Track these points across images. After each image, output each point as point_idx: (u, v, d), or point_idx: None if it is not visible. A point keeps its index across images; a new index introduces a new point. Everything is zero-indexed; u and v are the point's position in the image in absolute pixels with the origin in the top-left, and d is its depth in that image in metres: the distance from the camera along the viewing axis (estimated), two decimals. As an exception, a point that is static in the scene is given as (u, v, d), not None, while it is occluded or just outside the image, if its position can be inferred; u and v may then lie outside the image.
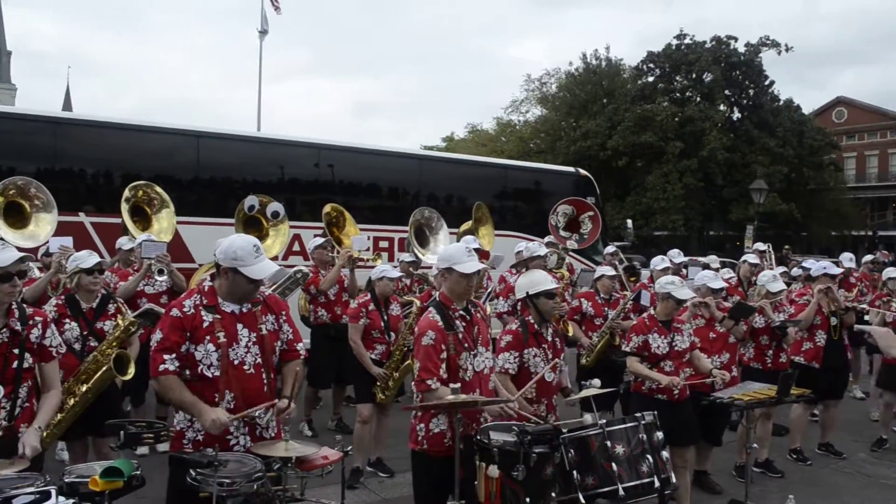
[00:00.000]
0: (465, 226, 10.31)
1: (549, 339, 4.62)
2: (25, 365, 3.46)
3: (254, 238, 3.63)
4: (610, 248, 10.13)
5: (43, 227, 7.20)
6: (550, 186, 14.26)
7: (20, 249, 3.69)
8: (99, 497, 2.81)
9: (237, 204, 8.40)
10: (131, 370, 4.96)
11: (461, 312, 4.02)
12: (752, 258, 8.75)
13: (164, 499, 3.54)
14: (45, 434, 3.61)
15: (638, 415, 4.21)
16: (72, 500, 2.79)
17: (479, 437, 3.80)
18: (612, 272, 7.51)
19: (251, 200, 8.08)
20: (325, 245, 7.85)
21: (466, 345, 3.95)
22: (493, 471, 3.62)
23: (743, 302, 6.75)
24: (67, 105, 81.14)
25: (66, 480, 2.85)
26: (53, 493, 2.74)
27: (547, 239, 9.90)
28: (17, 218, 7.17)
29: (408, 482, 4.18)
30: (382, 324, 6.36)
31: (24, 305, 3.59)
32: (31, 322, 3.51)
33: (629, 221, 17.88)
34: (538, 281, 4.64)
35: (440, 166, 13.91)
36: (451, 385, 3.70)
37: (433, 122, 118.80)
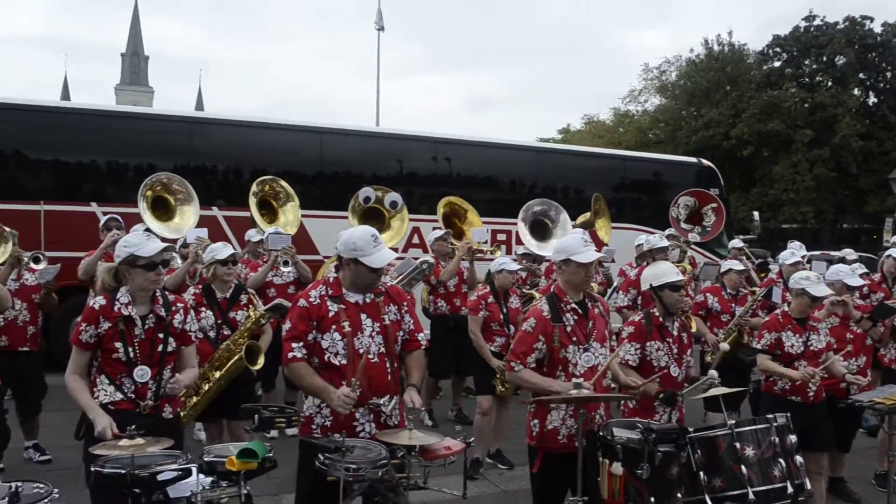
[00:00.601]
0: (582, 218, 10.15)
1: (675, 333, 4.48)
2: (169, 349, 3.67)
3: (371, 228, 3.71)
4: (737, 242, 9.72)
5: (187, 219, 7.63)
6: (671, 177, 13.84)
7: (166, 240, 3.93)
8: (235, 476, 2.95)
9: (358, 197, 8.59)
10: (261, 360, 5.21)
11: (573, 305, 3.96)
12: None
13: (294, 480, 3.69)
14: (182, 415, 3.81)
15: (770, 416, 4.03)
16: (210, 478, 2.95)
17: (602, 434, 3.74)
18: (739, 266, 7.19)
19: (366, 192, 8.25)
20: (446, 237, 7.91)
21: (575, 338, 3.89)
22: (617, 468, 3.55)
23: (886, 303, 6.30)
24: (199, 105, 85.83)
25: (206, 459, 3.01)
26: (194, 470, 2.91)
27: (668, 231, 9.62)
28: (164, 211, 7.62)
29: (528, 475, 4.16)
30: (502, 316, 6.37)
31: (167, 293, 3.82)
32: (173, 308, 3.73)
33: (756, 214, 17.08)
34: (663, 272, 4.51)
35: (557, 158, 13.76)
36: (575, 380, 3.66)
37: (549, 115, 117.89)
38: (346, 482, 3.04)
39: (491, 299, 6.38)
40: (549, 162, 13.11)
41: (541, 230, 9.31)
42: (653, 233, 9.39)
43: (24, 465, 6.04)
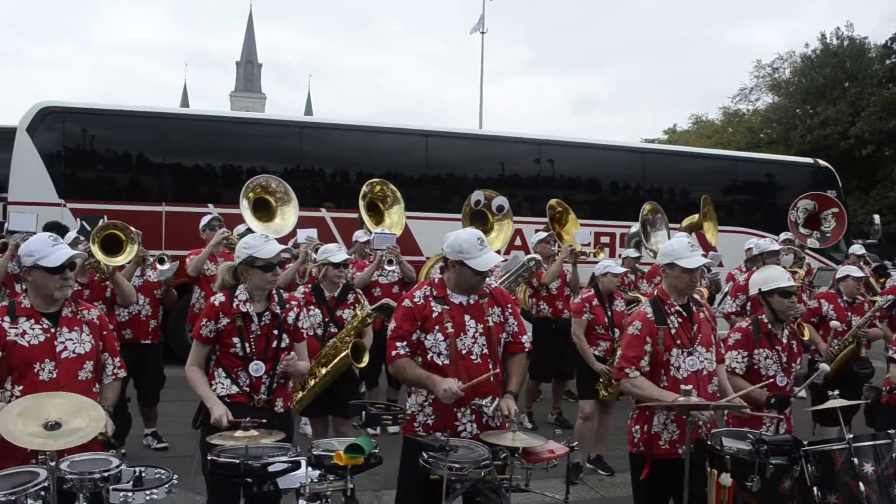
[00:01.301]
0: (688, 220, 9.87)
1: (785, 341, 4.30)
2: (283, 345, 3.80)
3: (478, 231, 3.73)
4: (858, 248, 9.20)
5: (288, 219, 7.87)
6: (784, 179, 13.26)
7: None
8: (341, 471, 3.03)
9: (461, 199, 8.66)
10: (366, 359, 5.33)
11: (678, 308, 3.87)
12: None
13: (395, 477, 3.75)
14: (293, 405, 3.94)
15: (892, 431, 3.79)
16: (318, 471, 3.04)
17: (710, 443, 3.62)
18: (858, 273, 6.79)
19: (477, 195, 8.29)
20: (549, 239, 7.85)
21: (679, 341, 3.79)
22: (726, 479, 3.43)
23: None
24: (308, 110, 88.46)
25: (314, 453, 3.10)
26: (303, 463, 3.00)
27: (783, 236, 9.22)
28: (265, 213, 7.88)
29: (628, 482, 4.08)
30: (606, 320, 6.28)
31: (281, 291, 3.96)
32: (287, 306, 3.86)
33: (876, 217, 16.11)
34: (773, 277, 4.33)
35: (663, 159, 13.43)
36: (683, 386, 3.56)
37: (654, 115, 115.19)
38: (449, 481, 3.07)
39: (595, 302, 6.30)
40: (655, 163, 12.82)
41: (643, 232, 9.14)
42: (763, 236, 9.04)
43: (143, 451, 6.39)
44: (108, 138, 10.37)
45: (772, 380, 4.15)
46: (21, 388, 3.16)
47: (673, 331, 3.81)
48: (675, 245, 3.99)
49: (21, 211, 6.17)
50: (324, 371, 5.18)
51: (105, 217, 5.95)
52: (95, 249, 5.52)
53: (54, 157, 9.84)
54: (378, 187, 8.60)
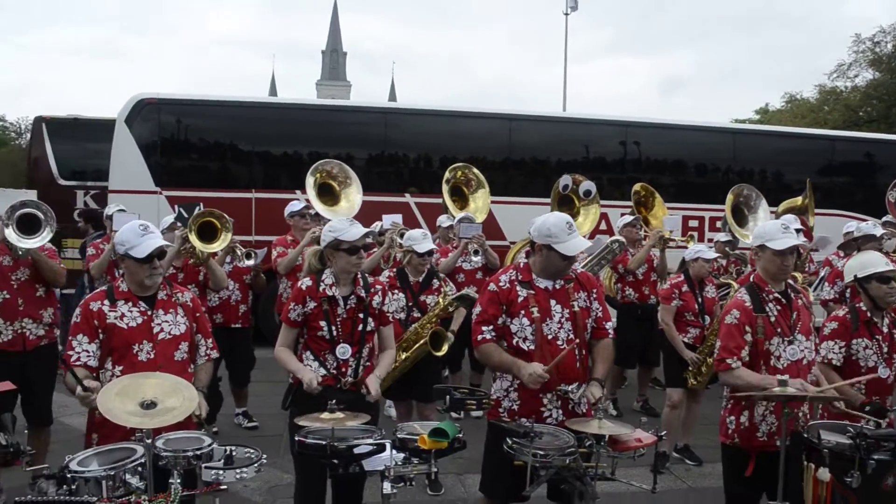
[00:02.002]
0: (786, 204, 9.46)
1: (885, 330, 4.06)
2: (368, 328, 3.84)
3: (566, 215, 3.67)
4: None
5: (353, 201, 7.93)
6: (885, 158, 12.53)
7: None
8: (426, 454, 3.03)
9: (545, 183, 8.57)
10: (445, 348, 5.35)
11: (776, 295, 3.70)
12: None
13: (477, 461, 3.74)
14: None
15: None
16: (402, 454, 3.05)
17: (807, 436, 3.46)
18: None
19: (565, 179, 8.17)
20: (634, 223, 7.67)
21: (780, 330, 3.64)
22: (824, 474, 3.28)
23: None
24: (392, 97, 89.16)
25: (399, 436, 3.11)
26: (388, 446, 3.02)
27: (885, 218, 8.74)
28: (329, 197, 7.96)
29: (716, 473, 3.95)
30: (696, 306, 6.08)
31: (367, 275, 4.00)
32: (372, 290, 3.89)
33: None
34: (870, 262, 4.10)
35: (755, 140, 12.89)
36: (779, 377, 3.41)
37: (745, 95, 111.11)
38: (533, 467, 3.04)
39: (685, 288, 6.11)
40: (746, 144, 12.32)
41: (738, 216, 8.80)
42: (864, 219, 8.57)
43: (234, 429, 6.60)
44: (200, 128, 10.73)
45: (873, 371, 3.93)
46: (121, 368, 3.30)
47: (772, 318, 3.66)
48: (767, 227, 3.84)
49: (124, 211, 6.42)
50: (404, 355, 5.22)
51: (201, 205, 6.13)
52: (192, 237, 5.71)
53: (151, 146, 10.24)
54: (461, 172, 8.58)
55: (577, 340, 3.61)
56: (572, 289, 3.65)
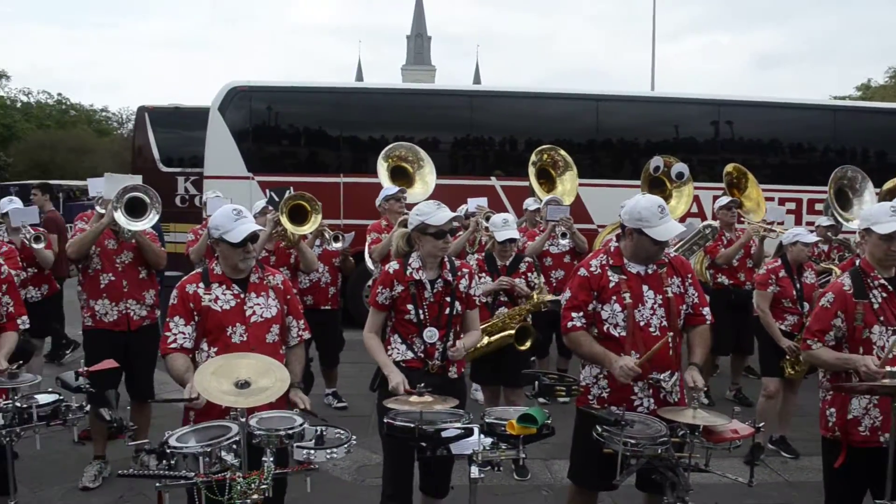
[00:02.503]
0: (890, 183, 8.95)
1: None
2: (455, 312, 3.83)
3: (659, 198, 3.55)
4: None
5: (429, 183, 7.93)
6: None
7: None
8: (514, 440, 3.01)
9: (633, 165, 8.37)
10: (528, 344, 5.32)
11: (882, 282, 3.50)
12: None
13: (563, 447, 3.68)
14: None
15: None
16: (490, 439, 3.04)
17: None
18: None
19: (657, 161, 7.97)
20: (731, 206, 7.36)
21: (882, 318, 3.45)
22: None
23: None
24: (477, 80, 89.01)
25: (487, 420, 3.09)
26: (476, 430, 3.01)
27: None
28: (404, 180, 7.97)
29: (814, 467, 3.79)
30: (794, 292, 5.82)
31: (454, 259, 3.99)
32: (459, 273, 3.88)
33: None
34: None
35: (857, 117, 12.20)
36: (889, 367, 3.22)
37: (845, 71, 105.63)
38: (624, 456, 2.98)
39: (783, 273, 5.85)
40: (847, 122, 11.69)
41: (841, 199, 8.38)
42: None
43: (323, 409, 6.74)
44: (289, 114, 10.98)
45: None
46: (216, 349, 3.40)
47: (875, 305, 3.47)
48: (874, 209, 3.64)
49: (218, 197, 6.62)
50: (487, 341, 5.20)
51: (291, 188, 6.26)
52: (284, 219, 5.84)
53: (243, 133, 10.53)
54: (547, 154, 8.48)
55: (671, 330, 3.50)
56: (665, 274, 3.54)
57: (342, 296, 7.16)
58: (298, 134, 11.09)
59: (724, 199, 7.46)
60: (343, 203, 10.17)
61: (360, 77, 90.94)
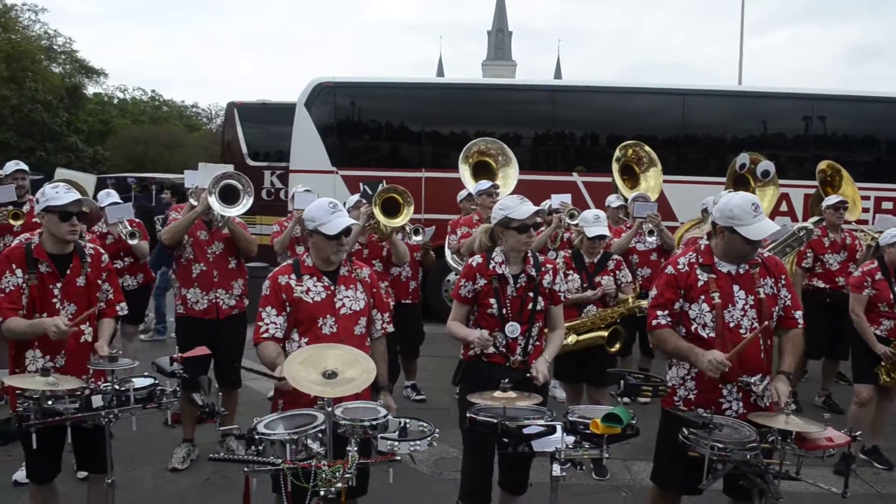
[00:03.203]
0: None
1: None
2: (538, 307, 3.81)
3: (752, 196, 3.44)
4: None
5: (509, 181, 7.86)
6: None
7: None
8: (597, 439, 2.97)
9: (718, 162, 8.14)
10: (618, 346, 5.25)
11: None
12: None
13: (644, 448, 3.62)
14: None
15: None
16: (573, 438, 3.01)
17: None
18: None
19: (743, 158, 7.72)
20: (839, 206, 6.94)
21: None
22: None
23: None
24: (558, 75, 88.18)
25: (570, 419, 3.06)
26: (559, 428, 2.98)
27: None
28: (486, 175, 7.92)
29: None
30: (892, 296, 5.54)
31: (537, 254, 3.97)
32: (543, 269, 3.85)
33: None
34: None
35: None
36: None
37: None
38: (711, 460, 2.90)
39: (879, 276, 5.57)
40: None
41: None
42: None
43: (403, 402, 6.81)
44: (373, 109, 11.16)
45: None
46: (306, 340, 3.47)
47: None
48: None
49: (304, 190, 6.76)
50: (574, 339, 5.16)
51: (384, 182, 6.32)
52: (377, 212, 5.92)
53: (328, 128, 10.75)
54: (631, 150, 8.32)
55: (764, 327, 3.39)
56: (758, 274, 3.43)
57: (422, 290, 7.21)
58: (381, 129, 11.25)
59: (833, 199, 7.08)
60: (424, 197, 10.24)
61: (440, 73, 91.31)
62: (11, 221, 6.28)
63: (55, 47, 42.14)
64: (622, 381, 3.20)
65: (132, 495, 4.75)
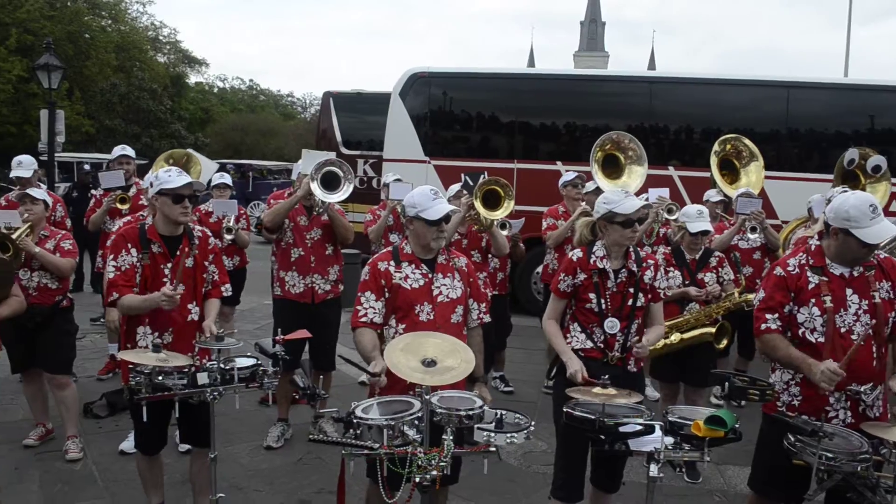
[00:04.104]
0: None
1: None
2: (638, 303, 3.73)
3: (870, 196, 3.25)
4: None
5: (634, 179, 7.70)
6: None
7: None
8: (698, 441, 2.89)
9: (822, 157, 7.76)
10: (724, 343, 5.11)
11: None
12: None
13: (739, 451, 3.48)
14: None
15: None
16: (671, 439, 2.93)
17: None
18: None
19: (851, 153, 7.34)
20: None
21: None
22: None
23: None
24: (652, 66, 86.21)
25: (670, 419, 2.98)
26: (658, 428, 2.91)
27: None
28: (613, 170, 7.79)
29: None
30: None
31: (638, 249, 3.88)
32: (644, 264, 3.77)
33: None
34: None
35: None
36: None
37: None
38: (818, 470, 2.78)
39: None
40: None
41: None
42: None
43: (491, 393, 6.82)
44: (466, 100, 11.16)
45: None
46: (404, 326, 3.52)
47: None
48: None
49: (395, 179, 6.83)
50: (677, 337, 5.03)
51: (485, 173, 6.32)
52: (477, 203, 5.93)
53: (421, 118, 10.83)
54: (730, 144, 8.04)
55: (877, 339, 3.22)
56: (873, 277, 3.25)
57: (511, 281, 7.19)
58: (474, 119, 11.24)
59: None
60: (516, 189, 10.19)
61: (531, 63, 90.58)
62: (119, 205, 6.58)
63: (161, 38, 44.08)
64: (727, 383, 3.09)
65: (229, 470, 4.93)
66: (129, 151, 7.08)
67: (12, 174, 6.43)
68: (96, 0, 36.86)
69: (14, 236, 4.89)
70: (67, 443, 5.20)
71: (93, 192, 7.40)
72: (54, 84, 15.93)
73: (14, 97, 30.41)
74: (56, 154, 17.40)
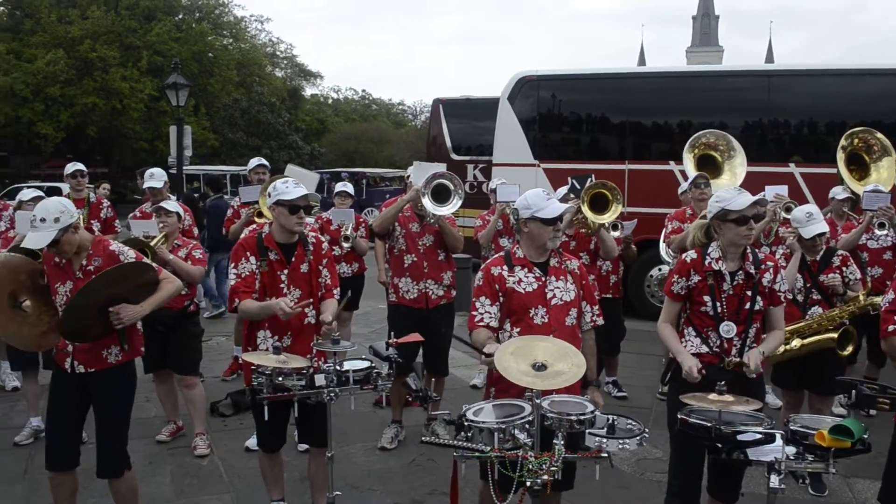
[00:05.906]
0: None
1: None
2: (756, 307, 3.59)
3: None
4: None
5: (737, 174, 7.41)
6: None
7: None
8: (822, 452, 2.76)
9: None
10: (850, 348, 4.85)
11: None
12: None
13: (870, 464, 3.30)
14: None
15: None
16: (793, 448, 2.81)
17: None
18: None
19: None
20: None
21: None
22: None
23: None
24: (769, 59, 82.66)
25: (792, 428, 2.87)
26: (779, 437, 2.80)
27: None
28: (711, 169, 7.51)
29: None
30: None
31: (756, 251, 3.74)
32: (763, 266, 3.63)
33: None
34: None
35: None
36: None
37: None
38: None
39: None
40: None
41: None
42: None
43: (603, 398, 6.72)
44: (574, 101, 11.07)
45: None
46: (518, 329, 3.54)
47: None
48: None
49: (504, 184, 6.85)
50: (798, 343, 4.80)
51: (593, 176, 6.27)
52: (585, 207, 5.90)
53: (530, 121, 10.82)
54: (859, 138, 7.60)
55: None
56: None
57: (623, 285, 7.06)
58: (583, 121, 11.13)
59: None
60: (627, 190, 10.01)
61: (642, 61, 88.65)
62: (256, 219, 6.91)
63: (278, 53, 45.99)
64: (854, 391, 2.94)
65: (344, 470, 5.07)
66: (265, 162, 7.46)
67: (145, 185, 6.87)
68: (219, 20, 38.84)
69: (151, 244, 5.26)
70: (196, 439, 5.53)
71: (231, 203, 7.82)
72: (182, 101, 16.86)
73: (146, 115, 32.56)
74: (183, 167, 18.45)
